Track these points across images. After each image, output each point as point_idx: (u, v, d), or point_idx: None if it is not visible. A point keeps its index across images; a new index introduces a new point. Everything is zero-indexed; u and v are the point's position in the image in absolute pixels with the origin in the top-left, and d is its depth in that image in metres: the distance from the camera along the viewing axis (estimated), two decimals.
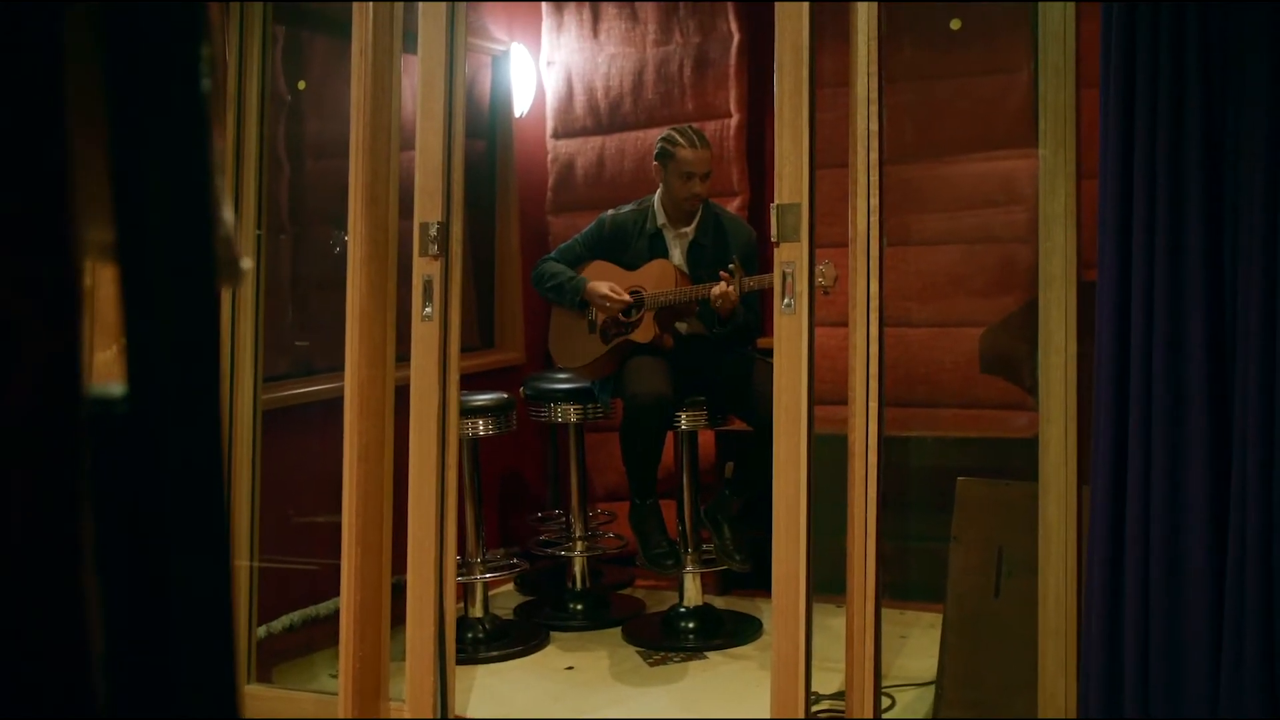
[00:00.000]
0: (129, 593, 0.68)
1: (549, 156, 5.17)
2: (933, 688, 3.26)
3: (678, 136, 4.02)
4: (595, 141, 5.07)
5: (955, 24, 4.35)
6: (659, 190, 4.12)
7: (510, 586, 4.78)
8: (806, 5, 2.85)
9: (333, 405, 3.47)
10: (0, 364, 0.60)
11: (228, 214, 0.75)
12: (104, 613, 0.64)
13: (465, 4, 3.31)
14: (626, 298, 4.03)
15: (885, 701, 3.39)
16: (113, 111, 0.67)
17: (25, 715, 0.60)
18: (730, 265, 3.81)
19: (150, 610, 0.68)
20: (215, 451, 0.71)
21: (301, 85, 4.26)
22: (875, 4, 2.83)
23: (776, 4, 2.90)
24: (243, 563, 3.53)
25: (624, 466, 4.09)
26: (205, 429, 0.70)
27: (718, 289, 3.80)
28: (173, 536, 0.69)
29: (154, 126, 0.68)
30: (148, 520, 0.68)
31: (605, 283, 4.06)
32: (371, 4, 3.30)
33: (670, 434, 4.12)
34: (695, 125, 4.23)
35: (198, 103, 0.70)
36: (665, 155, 4.04)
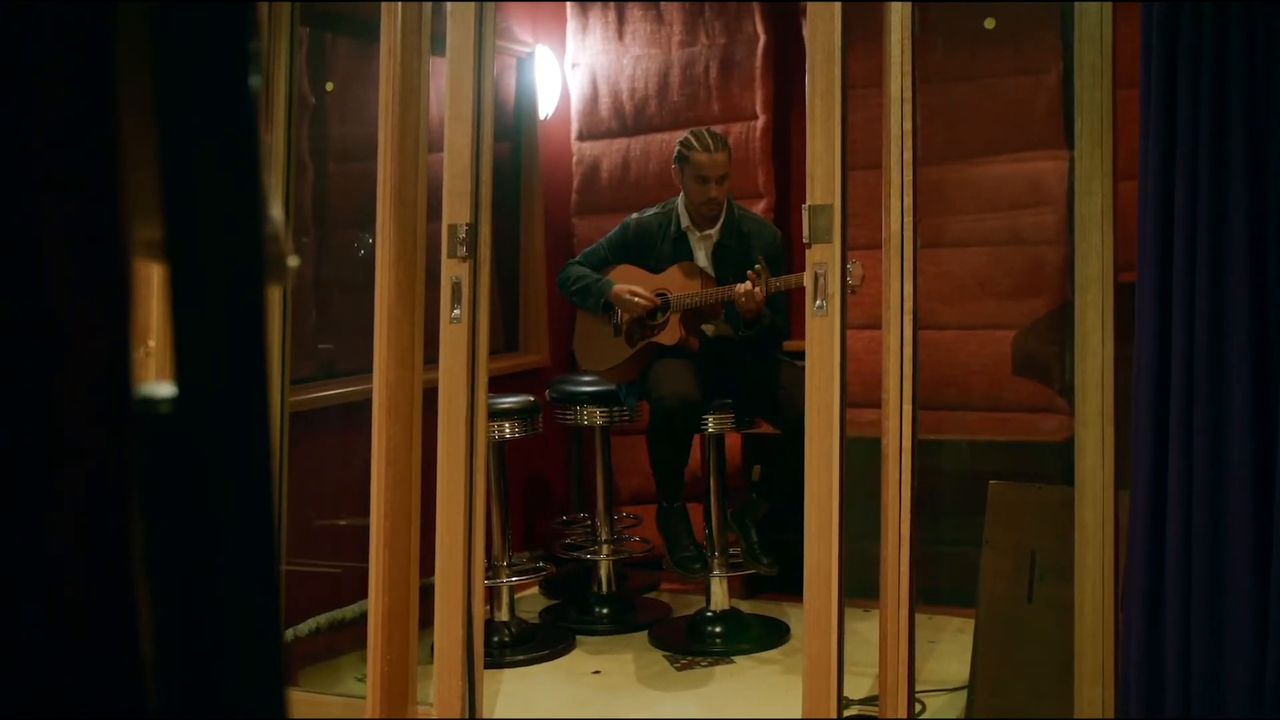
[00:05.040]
0: (179, 596, 0.67)
1: (574, 159, 5.16)
2: (963, 693, 3.23)
3: (693, 140, 4.00)
4: (620, 143, 5.05)
5: (989, 23, 4.31)
6: (682, 193, 4.10)
7: (535, 590, 4.76)
8: (839, 4, 2.83)
9: (358, 408, 3.46)
10: (50, 365, 0.59)
11: (276, 211, 0.74)
12: (154, 616, 0.63)
13: (493, 4, 3.30)
14: (653, 298, 4.02)
15: (916, 707, 3.36)
16: (162, 108, 0.66)
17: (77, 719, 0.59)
18: (756, 266, 3.79)
19: (200, 613, 0.67)
20: (265, 451, 0.70)
21: (330, 87, 4.26)
22: (910, 2, 2.81)
23: (808, 4, 2.88)
24: None
25: (651, 470, 4.07)
26: (255, 429, 0.69)
27: (743, 290, 3.78)
28: (222, 539, 0.68)
29: (204, 123, 0.67)
30: (197, 522, 0.67)
31: (631, 285, 4.05)
32: (400, 4, 3.30)
33: (697, 437, 4.10)
34: (715, 128, 4.21)
35: (247, 99, 0.68)
36: (682, 159, 4.02)
